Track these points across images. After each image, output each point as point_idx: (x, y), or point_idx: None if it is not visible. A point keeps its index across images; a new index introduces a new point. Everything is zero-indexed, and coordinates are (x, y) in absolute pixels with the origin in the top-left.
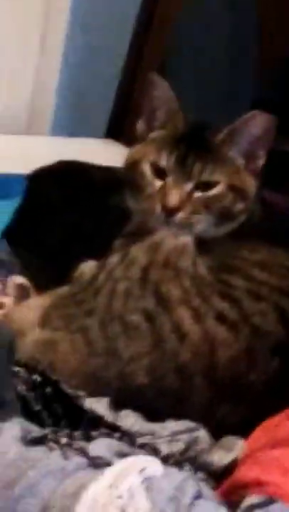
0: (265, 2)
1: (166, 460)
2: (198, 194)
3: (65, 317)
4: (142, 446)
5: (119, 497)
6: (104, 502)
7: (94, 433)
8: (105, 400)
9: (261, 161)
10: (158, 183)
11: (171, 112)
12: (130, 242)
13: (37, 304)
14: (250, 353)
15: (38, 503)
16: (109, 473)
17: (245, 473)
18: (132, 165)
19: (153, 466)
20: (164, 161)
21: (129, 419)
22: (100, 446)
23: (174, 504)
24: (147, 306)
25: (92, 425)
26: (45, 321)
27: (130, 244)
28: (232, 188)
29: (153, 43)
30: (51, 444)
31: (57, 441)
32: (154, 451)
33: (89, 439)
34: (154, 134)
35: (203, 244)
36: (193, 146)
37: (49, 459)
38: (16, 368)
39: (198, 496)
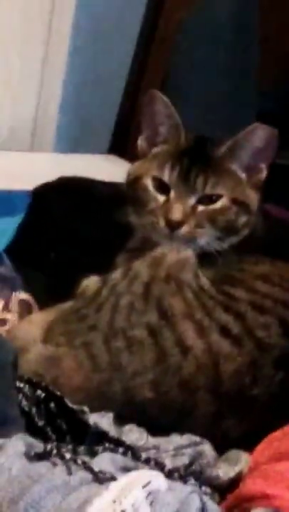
0: (267, 17)
1: (170, 474)
2: (201, 208)
3: (68, 332)
4: (147, 461)
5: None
6: None
7: (98, 448)
8: (109, 415)
9: (263, 174)
10: (161, 198)
11: (172, 127)
12: (133, 258)
13: (40, 319)
14: (254, 366)
15: None
16: (113, 488)
17: (251, 486)
18: (135, 180)
19: (157, 480)
20: (166, 176)
21: (134, 434)
22: (104, 460)
23: None
24: (150, 320)
25: (96, 440)
26: (48, 337)
27: (133, 260)
28: (235, 201)
29: (154, 60)
30: (55, 459)
31: (61, 457)
32: (158, 465)
33: (93, 454)
34: (156, 150)
35: (206, 258)
36: (196, 160)
37: (53, 474)
38: (20, 384)
39: (203, 510)
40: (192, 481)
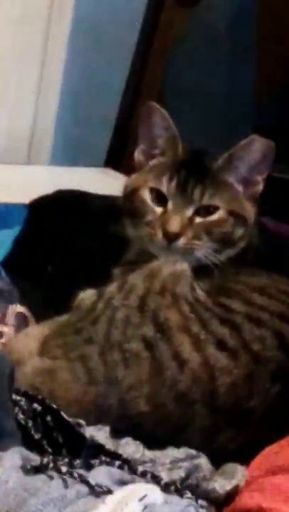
0: (264, 30)
1: (167, 488)
2: (199, 220)
3: (64, 345)
4: (143, 474)
5: None
6: None
7: (94, 461)
8: (106, 428)
9: (260, 187)
10: (158, 210)
11: (170, 139)
12: (129, 271)
13: (36, 332)
14: (250, 379)
15: None
16: (110, 502)
17: (247, 500)
18: (132, 192)
19: (154, 493)
20: (164, 187)
21: (130, 447)
22: (101, 474)
23: None
24: (146, 333)
25: (92, 453)
26: (44, 350)
27: (129, 272)
28: (232, 213)
29: (151, 73)
30: (52, 472)
31: (57, 470)
32: (155, 478)
33: (89, 467)
34: (153, 162)
35: (202, 270)
36: (193, 172)
37: (50, 487)
38: (17, 397)
39: None
40: (188, 494)
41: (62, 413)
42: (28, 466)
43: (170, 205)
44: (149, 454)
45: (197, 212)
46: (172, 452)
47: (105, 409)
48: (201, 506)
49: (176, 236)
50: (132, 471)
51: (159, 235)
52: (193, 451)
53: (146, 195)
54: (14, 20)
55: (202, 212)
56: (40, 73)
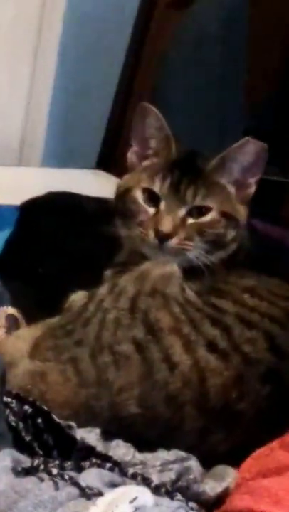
0: (255, 35)
1: (157, 490)
2: (191, 220)
3: (55, 348)
4: (134, 476)
5: None
6: None
7: (85, 463)
8: (96, 431)
9: (252, 189)
10: (151, 210)
11: (163, 139)
12: (120, 272)
13: (27, 334)
14: (240, 381)
15: None
16: (100, 504)
17: (237, 502)
18: (125, 192)
19: (144, 496)
20: (157, 187)
21: (120, 449)
22: (91, 476)
23: None
24: (137, 335)
25: (83, 455)
26: (35, 352)
27: (120, 275)
28: (224, 214)
29: (143, 75)
30: (42, 474)
31: (48, 472)
32: (145, 481)
33: (80, 469)
34: (146, 162)
35: (194, 272)
36: (186, 173)
37: (40, 489)
38: (7, 399)
39: None
40: (179, 496)
41: (53, 415)
42: (19, 468)
43: (163, 205)
44: (139, 456)
45: (189, 213)
46: (163, 454)
47: (96, 411)
48: (192, 508)
49: (168, 236)
50: (123, 473)
51: (151, 235)
52: (183, 454)
53: (139, 196)
54: (5, 22)
55: (194, 213)
56: (32, 75)
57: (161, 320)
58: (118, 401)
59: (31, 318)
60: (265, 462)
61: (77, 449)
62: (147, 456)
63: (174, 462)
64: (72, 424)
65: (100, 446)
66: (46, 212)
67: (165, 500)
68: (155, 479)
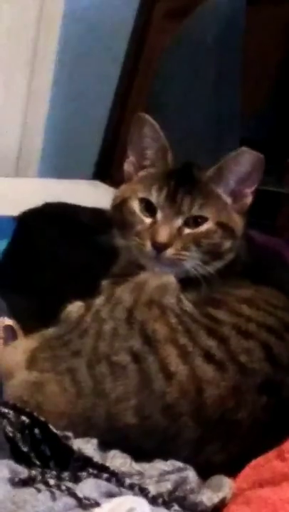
0: (251, 44)
1: (154, 500)
2: (187, 230)
3: (52, 358)
4: (131, 487)
5: None
6: None
7: (82, 474)
8: (93, 441)
9: (249, 200)
10: (147, 220)
11: (160, 150)
12: (117, 283)
13: (24, 345)
14: (237, 391)
15: None
16: None
17: None
18: (121, 203)
19: (141, 506)
20: (154, 197)
21: (118, 460)
22: (89, 486)
23: None
24: (134, 345)
25: (80, 466)
26: (32, 363)
27: (117, 285)
28: (220, 225)
29: (139, 85)
30: (39, 485)
31: (45, 483)
32: (142, 491)
33: (77, 479)
34: (143, 173)
35: (190, 282)
36: (183, 183)
37: (37, 500)
38: (5, 410)
39: None
40: (176, 507)
41: (50, 426)
42: (16, 479)
43: (159, 215)
44: (136, 466)
45: (186, 223)
46: (160, 465)
47: (93, 421)
48: None
49: (165, 246)
50: (120, 483)
51: (148, 245)
52: (180, 464)
53: (136, 206)
54: (2, 33)
55: (191, 223)
56: (29, 86)
57: (158, 330)
58: (115, 411)
59: (28, 329)
60: (261, 472)
61: (75, 459)
62: (144, 467)
63: (171, 472)
64: (70, 434)
65: (97, 457)
66: (43, 223)
67: (162, 511)
68: (152, 489)
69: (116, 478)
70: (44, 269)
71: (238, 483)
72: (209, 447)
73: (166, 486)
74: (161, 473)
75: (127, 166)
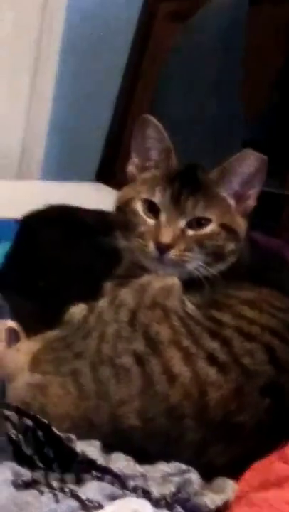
0: (253, 46)
1: (157, 502)
2: (190, 232)
3: (55, 361)
4: (134, 489)
5: None
6: None
7: (85, 476)
8: (96, 443)
9: (252, 202)
10: (151, 221)
11: (164, 151)
12: (120, 285)
13: (27, 347)
14: (240, 393)
15: None
16: None
17: None
18: (125, 204)
19: (144, 508)
20: (157, 198)
21: (121, 462)
22: (92, 489)
23: None
24: (137, 348)
25: (83, 468)
26: (35, 365)
27: (120, 287)
28: (223, 226)
29: (142, 87)
30: (42, 487)
31: (48, 485)
32: (145, 493)
33: (80, 482)
34: (146, 174)
35: (193, 284)
36: (186, 184)
37: (40, 502)
38: (8, 412)
39: None
40: (179, 509)
41: (53, 428)
42: (19, 481)
43: (162, 216)
44: (139, 468)
45: (189, 225)
46: (163, 467)
47: (96, 423)
48: None
49: (168, 247)
50: (123, 485)
51: (151, 246)
52: (183, 466)
53: (139, 207)
54: (5, 34)
55: (194, 224)
56: (31, 88)
57: (161, 333)
58: (118, 413)
59: (31, 331)
60: (264, 474)
61: (78, 461)
62: (147, 469)
63: (174, 475)
64: (73, 436)
65: (100, 459)
66: (46, 225)
67: None
68: (155, 492)
69: (119, 480)
70: (47, 271)
71: (241, 485)
72: (212, 449)
73: (169, 488)
74: (164, 475)
75: (131, 167)
